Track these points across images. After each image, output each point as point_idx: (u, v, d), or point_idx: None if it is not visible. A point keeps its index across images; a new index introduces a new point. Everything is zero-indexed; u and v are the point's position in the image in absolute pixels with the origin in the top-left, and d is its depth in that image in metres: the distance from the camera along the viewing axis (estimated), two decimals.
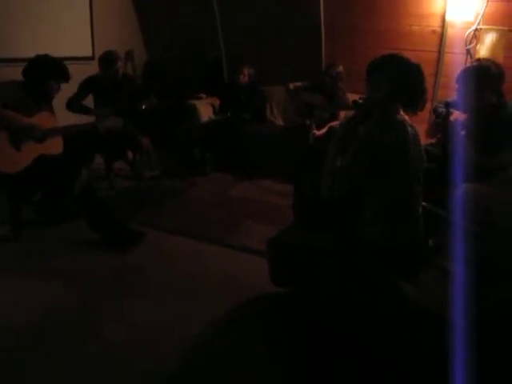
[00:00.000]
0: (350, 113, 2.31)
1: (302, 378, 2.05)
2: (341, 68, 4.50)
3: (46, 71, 3.13)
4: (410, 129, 2.03)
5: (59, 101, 3.40)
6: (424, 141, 2.40)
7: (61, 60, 3.23)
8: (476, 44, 4.32)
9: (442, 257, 2.13)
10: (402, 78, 2.04)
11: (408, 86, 2.03)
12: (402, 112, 2.05)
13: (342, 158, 2.07)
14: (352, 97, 4.23)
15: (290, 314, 2.36)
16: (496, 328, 1.71)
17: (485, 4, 4.14)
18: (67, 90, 3.55)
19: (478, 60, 3.38)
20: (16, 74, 3.17)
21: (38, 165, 3.01)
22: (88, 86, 4.17)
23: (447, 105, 3.52)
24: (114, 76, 4.21)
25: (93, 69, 4.45)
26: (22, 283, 2.72)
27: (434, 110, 3.64)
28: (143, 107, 4.12)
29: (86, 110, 4.09)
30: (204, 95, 5.25)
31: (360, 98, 2.20)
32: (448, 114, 3.32)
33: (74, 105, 4.06)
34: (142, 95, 4.28)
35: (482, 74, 2.84)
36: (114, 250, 3.10)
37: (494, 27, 4.21)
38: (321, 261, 2.09)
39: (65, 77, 3.21)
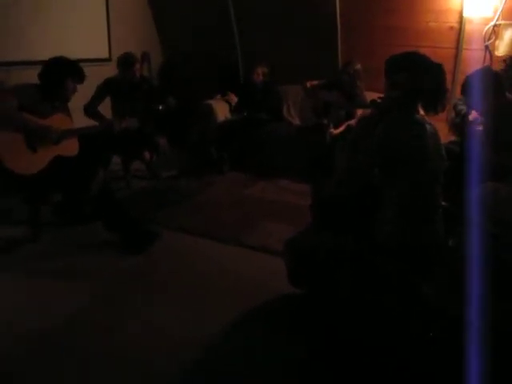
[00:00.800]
0: (367, 111, 2.30)
1: (318, 380, 2.03)
2: (358, 66, 4.46)
3: (62, 72, 3.14)
4: (428, 127, 2.01)
5: (75, 102, 3.41)
6: (445, 138, 2.37)
7: (76, 60, 3.25)
8: (495, 40, 4.24)
9: (461, 257, 2.10)
10: (419, 77, 2.01)
11: (426, 86, 2.00)
12: (421, 111, 2.03)
13: (355, 155, 2.06)
14: (369, 95, 4.21)
15: (306, 316, 2.35)
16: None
17: None
18: (84, 91, 3.58)
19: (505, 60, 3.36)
20: (33, 76, 3.19)
21: (54, 166, 3.03)
22: (106, 88, 4.21)
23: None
24: (132, 78, 4.26)
25: (110, 70, 4.50)
26: (36, 285, 2.74)
27: (454, 107, 3.60)
28: (160, 108, 4.14)
29: (100, 118, 4.07)
30: (219, 96, 5.25)
31: (379, 98, 2.19)
32: (465, 113, 3.29)
33: (90, 109, 4.10)
34: (159, 97, 4.30)
35: (487, 78, 2.82)
36: (130, 251, 3.11)
37: None
38: (338, 262, 2.08)
39: (81, 76, 3.22)
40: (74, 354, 2.16)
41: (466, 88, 2.95)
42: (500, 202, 2.24)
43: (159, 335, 2.31)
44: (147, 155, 4.41)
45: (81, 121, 3.38)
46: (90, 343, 2.24)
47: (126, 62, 4.24)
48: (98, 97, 4.17)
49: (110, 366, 2.10)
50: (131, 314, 2.48)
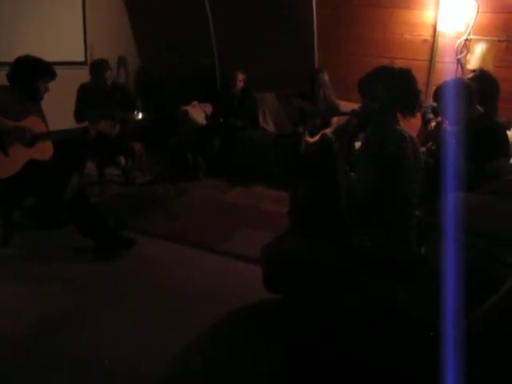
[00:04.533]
0: (342, 120, 2.34)
1: None
2: (326, 75, 4.57)
3: (31, 72, 3.07)
4: (409, 140, 2.06)
5: (51, 106, 3.36)
6: None
7: (42, 59, 3.15)
8: (466, 54, 4.39)
9: (433, 265, 2.14)
10: (399, 86, 2.08)
11: (405, 93, 2.08)
12: (400, 122, 2.09)
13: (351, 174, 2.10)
14: (346, 104, 4.27)
15: (282, 322, 2.36)
16: (485, 337, 1.73)
17: (475, 15, 4.21)
18: (60, 94, 3.53)
19: (473, 71, 3.48)
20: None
21: (28, 170, 2.97)
22: (82, 92, 4.21)
23: (434, 109, 3.58)
24: (103, 84, 4.25)
25: (85, 74, 4.47)
26: (11, 290, 2.69)
27: (423, 116, 3.70)
28: (138, 117, 4.11)
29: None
30: (196, 103, 5.24)
31: (359, 108, 2.23)
32: (439, 122, 3.37)
33: (78, 115, 4.12)
34: (132, 105, 4.28)
35: (458, 88, 2.91)
36: (105, 256, 3.07)
37: (484, 37, 4.28)
38: (315, 269, 2.10)
39: (51, 74, 3.15)
40: (47, 360, 2.13)
41: (438, 96, 3.03)
42: (471, 212, 2.29)
43: (132, 341, 2.28)
44: (122, 160, 4.37)
45: (56, 124, 3.32)
46: (62, 347, 2.22)
47: (97, 68, 4.25)
48: (81, 105, 4.18)
49: (83, 369, 2.07)
50: (104, 320, 2.45)
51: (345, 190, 2.11)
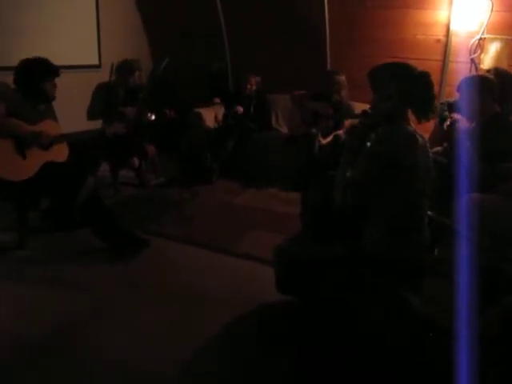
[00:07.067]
0: (355, 121, 2.32)
1: None
2: (343, 76, 4.54)
3: (33, 74, 3.07)
4: (420, 140, 2.03)
5: (64, 108, 3.40)
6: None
7: (42, 57, 3.14)
8: (480, 53, 4.35)
9: (447, 266, 2.13)
10: (408, 87, 2.02)
11: (415, 95, 2.02)
12: (411, 122, 2.06)
13: (352, 169, 2.07)
14: (359, 106, 4.26)
15: (294, 324, 2.35)
16: (499, 339, 1.71)
17: (489, 13, 4.17)
18: (74, 96, 3.57)
19: (489, 70, 3.44)
20: None
21: (44, 172, 3.02)
22: (102, 91, 4.21)
23: (449, 106, 3.54)
24: (130, 84, 4.29)
25: (99, 77, 4.50)
26: (26, 292, 2.71)
27: (438, 114, 3.66)
28: (152, 118, 4.14)
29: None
30: (218, 100, 5.25)
31: (370, 109, 2.20)
32: (454, 121, 3.34)
33: (92, 114, 4.14)
34: (152, 106, 4.32)
35: (482, 83, 2.89)
36: (119, 258, 3.09)
37: (499, 36, 4.24)
38: (326, 270, 2.09)
39: (53, 72, 3.14)
40: (60, 361, 2.15)
41: (460, 89, 3.00)
42: (485, 213, 2.27)
43: (146, 344, 2.29)
44: (136, 162, 4.40)
45: (70, 126, 3.36)
46: (77, 351, 2.23)
47: (128, 68, 4.28)
48: (97, 102, 4.17)
49: (97, 374, 2.08)
50: (118, 322, 2.46)
51: (340, 184, 2.08)
